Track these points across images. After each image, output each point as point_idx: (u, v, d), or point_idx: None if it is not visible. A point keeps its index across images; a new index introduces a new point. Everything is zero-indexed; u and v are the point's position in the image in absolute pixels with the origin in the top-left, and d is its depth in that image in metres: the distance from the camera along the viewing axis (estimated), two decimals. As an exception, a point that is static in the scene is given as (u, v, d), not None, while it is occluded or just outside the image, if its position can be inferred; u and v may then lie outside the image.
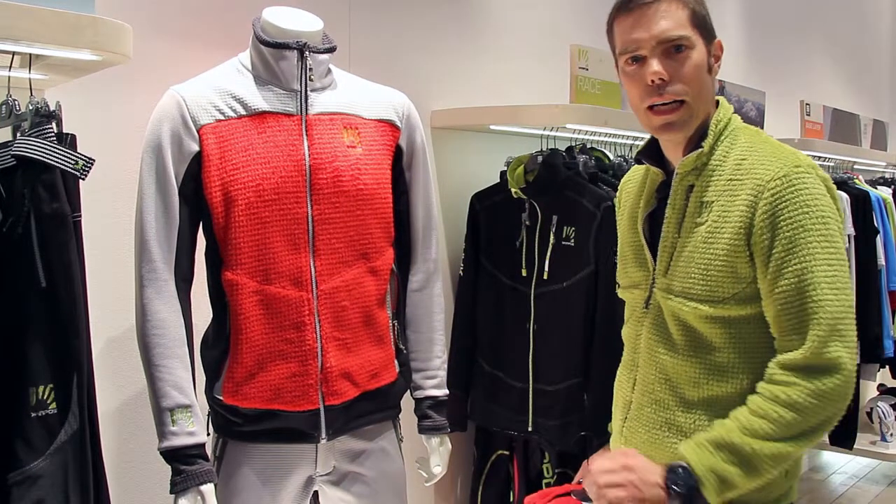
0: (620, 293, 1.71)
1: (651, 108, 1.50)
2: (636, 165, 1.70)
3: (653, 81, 1.47)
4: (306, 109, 1.71)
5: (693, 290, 1.48)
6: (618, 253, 1.72)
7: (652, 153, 1.61)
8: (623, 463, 1.47)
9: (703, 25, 1.50)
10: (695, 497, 1.39)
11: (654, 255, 1.57)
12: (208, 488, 1.60)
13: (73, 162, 1.33)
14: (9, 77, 1.43)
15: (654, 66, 1.47)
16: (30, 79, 1.42)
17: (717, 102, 1.56)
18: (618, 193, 1.78)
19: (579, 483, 1.79)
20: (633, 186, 1.70)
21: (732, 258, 1.44)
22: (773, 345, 1.45)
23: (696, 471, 1.39)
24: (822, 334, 1.37)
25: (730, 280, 1.45)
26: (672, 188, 1.55)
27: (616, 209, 1.78)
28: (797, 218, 1.39)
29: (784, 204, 1.40)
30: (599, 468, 1.49)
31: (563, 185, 2.53)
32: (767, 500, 1.50)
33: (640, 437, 1.58)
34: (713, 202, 1.48)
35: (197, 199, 1.66)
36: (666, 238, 1.55)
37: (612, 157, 2.87)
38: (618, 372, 1.71)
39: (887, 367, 4.41)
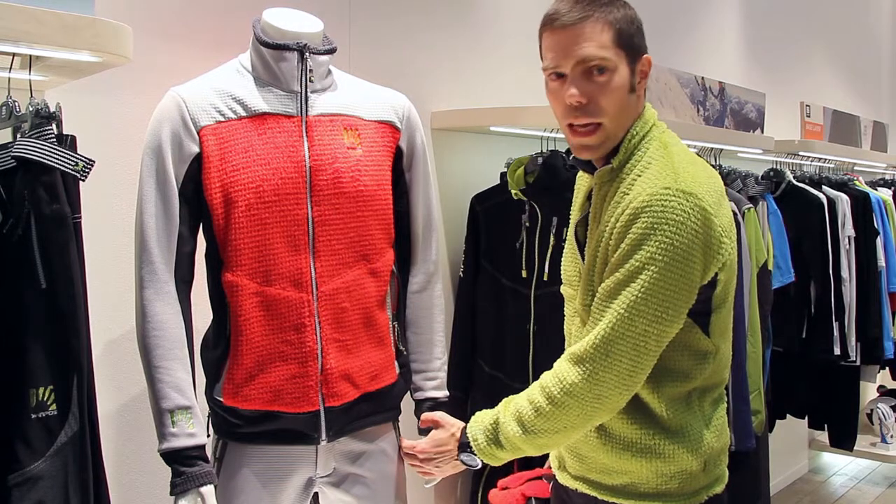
0: (562, 290, 1.76)
1: (570, 126, 1.53)
2: None
3: (571, 103, 1.49)
4: (306, 111, 1.71)
5: (587, 298, 1.55)
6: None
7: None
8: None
9: (628, 45, 1.49)
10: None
11: (584, 256, 1.62)
12: (208, 490, 1.60)
13: (73, 163, 1.33)
14: (9, 78, 1.43)
15: (572, 89, 1.48)
16: (30, 80, 1.42)
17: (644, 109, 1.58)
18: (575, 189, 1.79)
19: (549, 468, 1.83)
20: (582, 184, 1.73)
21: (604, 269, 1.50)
22: (666, 352, 1.50)
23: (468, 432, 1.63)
24: (605, 335, 1.44)
25: None
26: (593, 197, 1.59)
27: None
28: (638, 236, 1.42)
29: (635, 221, 1.42)
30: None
31: (564, 187, 2.53)
32: (684, 492, 1.56)
33: None
34: (607, 213, 1.52)
35: (197, 200, 1.66)
36: (590, 245, 1.58)
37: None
38: None
39: (887, 368, 4.42)
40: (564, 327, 1.75)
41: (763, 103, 3.87)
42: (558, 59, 1.49)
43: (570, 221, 1.73)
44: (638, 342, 1.43)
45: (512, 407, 1.58)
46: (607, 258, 1.50)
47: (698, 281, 1.45)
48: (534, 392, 1.55)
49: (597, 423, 1.53)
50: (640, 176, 1.48)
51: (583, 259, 1.61)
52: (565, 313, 1.74)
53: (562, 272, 1.74)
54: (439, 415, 1.80)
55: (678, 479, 1.55)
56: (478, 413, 1.66)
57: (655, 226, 1.40)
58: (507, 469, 2.69)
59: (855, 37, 6.23)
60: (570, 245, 1.70)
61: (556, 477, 1.74)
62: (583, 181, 1.72)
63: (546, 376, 1.54)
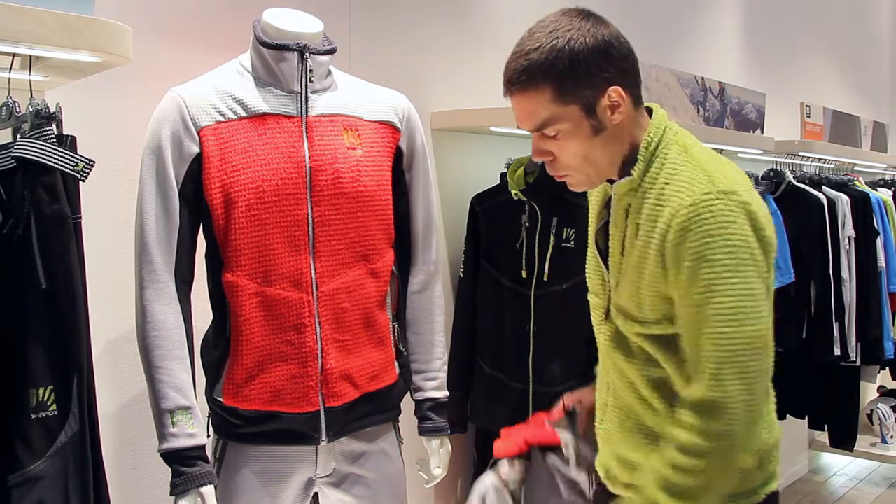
0: (589, 296, 1.72)
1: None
2: None
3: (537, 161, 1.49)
4: (306, 111, 1.71)
5: (631, 311, 1.50)
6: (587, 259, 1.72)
7: None
8: None
9: (574, 91, 1.41)
10: None
11: (608, 267, 1.58)
12: (208, 490, 1.60)
13: (73, 163, 1.33)
14: (9, 79, 1.43)
15: (533, 150, 1.49)
16: (30, 80, 1.42)
17: (650, 111, 1.53)
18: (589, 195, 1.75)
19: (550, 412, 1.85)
20: (597, 191, 1.68)
21: (656, 282, 1.44)
22: None
23: None
24: (716, 369, 1.36)
25: (659, 303, 1.45)
26: (612, 208, 1.55)
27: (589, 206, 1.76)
28: (699, 249, 1.36)
29: (688, 234, 1.37)
30: None
31: (564, 187, 2.51)
32: (742, 491, 1.50)
33: (615, 437, 1.61)
34: (641, 226, 1.47)
35: (197, 200, 1.66)
36: (613, 256, 1.55)
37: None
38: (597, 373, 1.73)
39: (887, 369, 4.42)
40: (596, 335, 1.69)
41: (763, 103, 3.87)
42: (517, 122, 1.49)
43: (589, 231, 1.68)
44: (751, 343, 1.37)
45: (655, 482, 1.44)
46: (655, 273, 1.44)
47: (765, 269, 1.40)
48: (671, 457, 1.41)
49: (757, 433, 1.45)
50: (667, 184, 1.44)
51: (606, 269, 1.58)
52: (592, 321, 1.67)
53: (587, 281, 1.69)
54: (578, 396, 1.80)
55: None
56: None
57: (711, 233, 1.36)
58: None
59: (855, 37, 6.23)
60: (591, 255, 1.65)
61: (606, 486, 1.67)
62: (597, 189, 1.67)
63: (676, 432, 1.42)
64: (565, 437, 1.77)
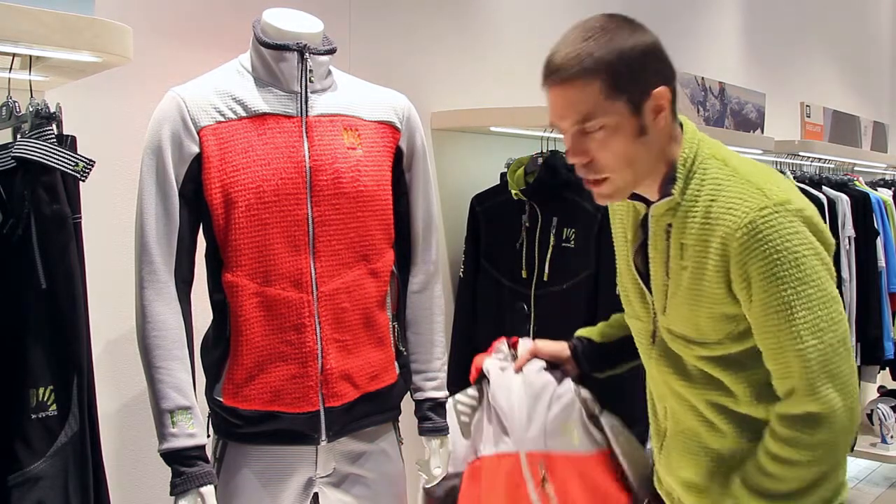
0: (626, 319, 1.69)
1: (583, 178, 1.46)
2: None
3: (571, 163, 1.43)
4: (306, 111, 1.71)
5: (689, 335, 1.47)
6: (618, 280, 1.68)
7: None
8: None
9: (625, 89, 1.37)
10: None
11: (650, 289, 1.55)
12: (208, 490, 1.60)
13: (73, 163, 1.33)
14: (9, 79, 1.43)
15: (569, 149, 1.42)
16: (30, 80, 1.42)
17: (682, 126, 1.49)
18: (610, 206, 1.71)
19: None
20: (625, 209, 1.63)
21: (717, 304, 1.42)
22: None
23: None
24: (810, 383, 1.35)
25: (719, 323, 1.43)
26: (650, 230, 1.50)
27: (611, 218, 1.71)
28: (768, 267, 1.34)
29: (753, 254, 1.34)
30: None
31: (564, 187, 2.53)
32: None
33: (678, 461, 1.57)
34: (691, 246, 1.44)
35: (197, 200, 1.66)
36: (656, 278, 1.52)
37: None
38: (647, 394, 1.69)
39: (887, 368, 4.41)
40: (642, 356, 1.65)
41: (763, 103, 3.87)
42: (554, 117, 1.43)
43: (619, 251, 1.64)
44: (838, 349, 1.36)
45: (750, 495, 1.43)
46: (715, 294, 1.41)
47: (832, 269, 1.39)
48: (767, 468, 1.40)
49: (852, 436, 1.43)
50: (713, 201, 1.40)
51: (650, 291, 1.54)
52: (637, 345, 1.64)
53: (624, 303, 1.66)
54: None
55: None
56: None
57: (777, 248, 1.33)
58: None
59: (855, 37, 6.23)
60: (629, 278, 1.60)
61: None
62: (624, 206, 1.61)
63: (774, 445, 1.40)
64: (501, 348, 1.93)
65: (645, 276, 1.55)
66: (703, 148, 1.46)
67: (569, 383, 1.86)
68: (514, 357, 1.88)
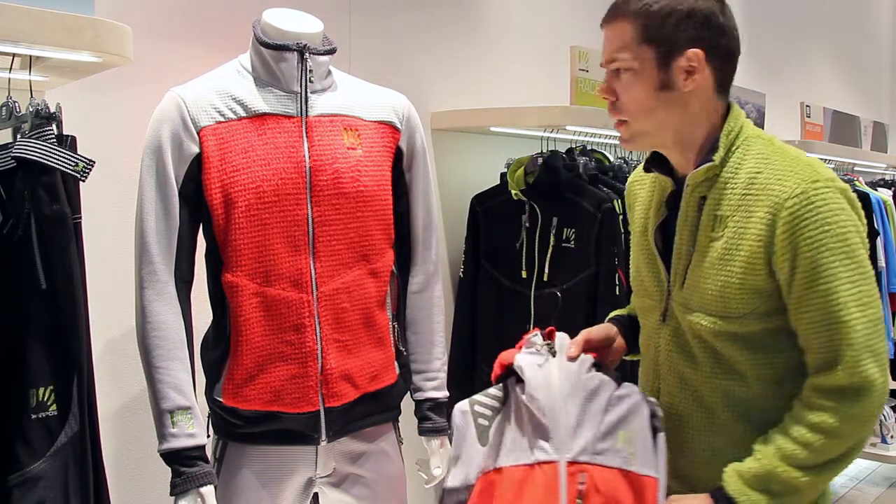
0: (634, 300, 1.69)
1: None
2: (642, 164, 1.67)
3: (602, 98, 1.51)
4: (306, 111, 1.71)
5: (711, 305, 1.46)
6: (631, 259, 1.69)
7: (660, 161, 1.58)
8: None
9: (655, 39, 1.43)
10: None
11: (668, 267, 1.55)
12: (208, 490, 1.60)
13: (73, 163, 1.33)
14: (9, 79, 1.43)
15: (599, 90, 1.51)
16: (30, 80, 1.42)
17: (729, 107, 1.53)
18: (626, 193, 1.75)
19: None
20: (639, 188, 1.67)
21: (751, 276, 1.42)
22: (797, 352, 1.45)
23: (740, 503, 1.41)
24: (855, 355, 1.37)
25: (749, 296, 1.43)
26: (683, 200, 1.52)
27: (628, 208, 1.75)
28: (818, 237, 1.36)
29: (804, 223, 1.37)
30: None
31: (564, 187, 2.53)
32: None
33: (669, 447, 1.55)
34: (728, 217, 1.45)
35: (197, 200, 1.66)
36: (679, 251, 1.52)
37: (612, 158, 2.87)
38: (639, 379, 1.68)
39: (887, 368, 4.41)
40: (642, 340, 1.65)
41: (763, 103, 3.87)
42: (602, 56, 1.52)
43: (637, 230, 1.65)
44: (878, 326, 1.39)
45: (775, 454, 1.42)
46: (752, 265, 1.42)
47: (869, 251, 1.43)
48: (800, 436, 1.41)
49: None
50: (759, 173, 1.43)
51: (667, 268, 1.55)
52: (644, 326, 1.64)
53: (635, 283, 1.66)
54: None
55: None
56: (730, 473, 1.45)
57: (827, 221, 1.36)
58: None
59: (855, 37, 6.23)
60: (646, 254, 1.61)
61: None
62: (645, 186, 1.65)
63: (808, 414, 1.41)
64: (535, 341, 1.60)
65: (662, 254, 1.57)
66: (748, 128, 1.52)
67: (633, 387, 1.56)
68: (551, 350, 1.59)
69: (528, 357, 1.57)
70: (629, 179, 1.75)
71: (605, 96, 1.51)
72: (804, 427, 1.40)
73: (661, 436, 1.51)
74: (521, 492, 1.49)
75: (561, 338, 1.60)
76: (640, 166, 1.68)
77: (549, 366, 1.55)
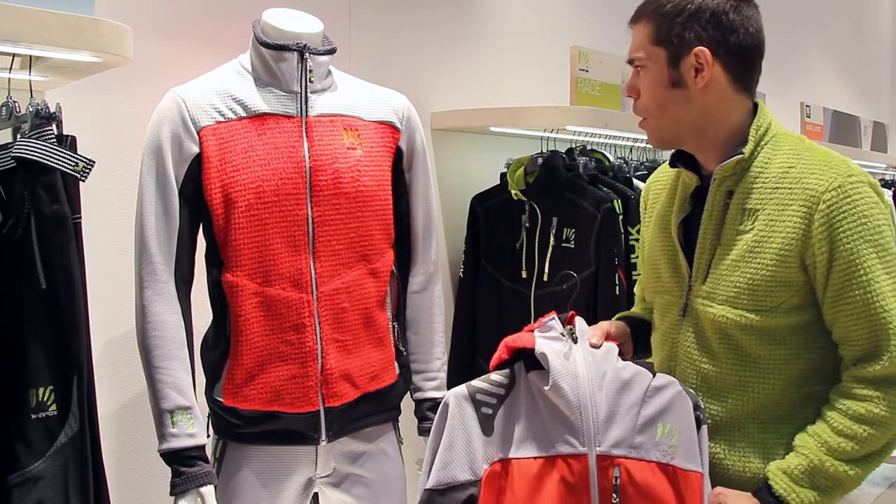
0: (650, 297, 1.68)
1: None
2: (663, 166, 1.70)
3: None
4: (306, 111, 1.71)
5: (738, 298, 1.47)
6: (646, 256, 1.69)
7: (685, 157, 1.59)
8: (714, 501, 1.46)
9: (667, 39, 1.49)
10: None
11: (690, 262, 1.55)
12: (208, 490, 1.60)
13: (73, 163, 1.33)
14: (9, 79, 1.43)
15: (625, 89, 1.57)
16: (30, 80, 1.42)
17: (756, 107, 1.55)
18: (643, 193, 1.76)
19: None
20: (661, 188, 1.68)
21: (782, 268, 1.43)
22: (819, 350, 1.46)
23: (789, 502, 1.41)
24: (894, 344, 1.38)
25: (778, 290, 1.44)
26: (709, 194, 1.53)
27: (642, 209, 1.76)
28: (856, 230, 1.39)
29: (842, 216, 1.39)
30: None
31: (564, 187, 2.53)
32: None
33: None
34: (758, 210, 1.46)
35: (197, 200, 1.66)
36: (703, 245, 1.53)
37: (612, 158, 2.87)
38: None
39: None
40: (657, 339, 1.64)
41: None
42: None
43: (656, 228, 1.65)
44: None
45: (820, 448, 1.42)
46: (784, 258, 1.43)
47: None
48: (843, 426, 1.41)
49: None
50: (792, 167, 1.46)
51: (690, 264, 1.55)
52: (661, 324, 1.63)
53: (651, 280, 1.66)
54: None
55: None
56: (774, 471, 1.45)
57: (865, 214, 1.40)
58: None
59: (855, 37, 6.23)
60: (666, 250, 1.61)
61: None
62: (666, 187, 1.66)
63: (852, 405, 1.41)
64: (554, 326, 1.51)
65: (684, 248, 1.58)
66: (777, 125, 1.55)
67: (671, 378, 1.50)
68: (573, 336, 1.50)
69: (549, 343, 1.47)
70: (648, 180, 1.76)
71: (629, 95, 1.56)
72: (849, 419, 1.41)
73: (705, 428, 1.48)
74: (538, 486, 1.43)
75: (580, 323, 1.55)
76: (661, 167, 1.71)
77: (573, 353, 1.47)
